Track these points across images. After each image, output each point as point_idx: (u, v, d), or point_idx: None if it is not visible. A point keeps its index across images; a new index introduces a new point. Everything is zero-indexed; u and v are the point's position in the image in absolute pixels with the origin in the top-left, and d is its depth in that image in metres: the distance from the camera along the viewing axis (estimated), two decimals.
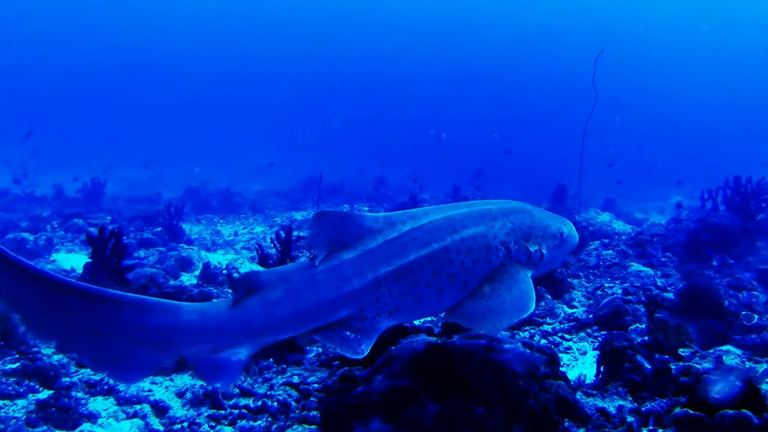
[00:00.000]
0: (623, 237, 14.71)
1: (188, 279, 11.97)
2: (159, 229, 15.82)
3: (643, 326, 8.57)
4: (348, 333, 5.31)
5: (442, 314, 5.75)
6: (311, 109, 76.02)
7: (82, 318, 4.53)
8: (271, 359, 7.44)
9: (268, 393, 6.56)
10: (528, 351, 6.20)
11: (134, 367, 4.80)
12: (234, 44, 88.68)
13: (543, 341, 8.63)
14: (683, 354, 7.35)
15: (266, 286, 5.20)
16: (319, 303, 5.26)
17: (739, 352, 8.37)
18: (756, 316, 9.44)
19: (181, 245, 14.50)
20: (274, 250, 11.27)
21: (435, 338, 6.52)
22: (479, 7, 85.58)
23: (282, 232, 10.90)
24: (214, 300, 5.37)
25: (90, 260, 8.97)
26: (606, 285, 11.27)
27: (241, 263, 11.56)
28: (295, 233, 16.42)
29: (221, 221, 21.69)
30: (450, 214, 5.89)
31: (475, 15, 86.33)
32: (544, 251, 6.21)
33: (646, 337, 7.59)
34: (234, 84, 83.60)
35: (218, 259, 13.21)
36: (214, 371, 4.99)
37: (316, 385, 6.71)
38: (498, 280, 5.83)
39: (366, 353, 5.18)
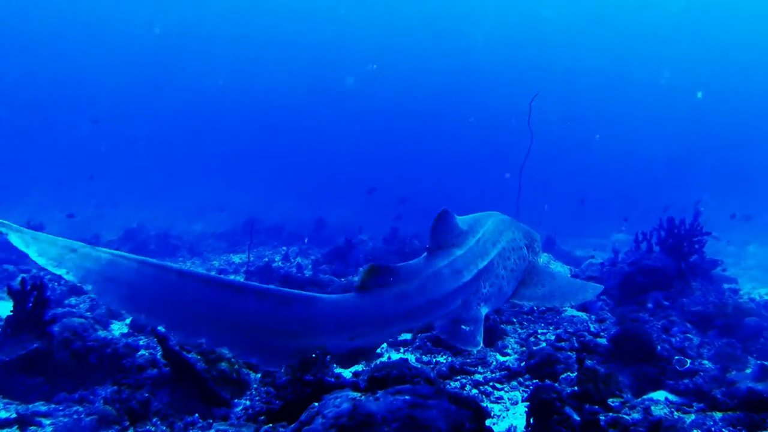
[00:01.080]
0: None
1: (119, 327, 11.76)
2: None
3: (574, 375, 8.52)
4: (464, 327, 6.04)
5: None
6: (253, 149, 75.97)
7: (229, 312, 5.05)
8: (197, 414, 7.28)
9: None
10: (453, 406, 6.10)
11: (279, 354, 5.50)
12: (172, 79, 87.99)
13: (474, 391, 8.55)
14: (613, 404, 7.31)
15: (399, 278, 5.84)
16: (442, 295, 6.00)
17: (672, 398, 8.36)
18: (689, 361, 9.46)
19: None
20: None
21: (359, 393, 6.40)
22: (418, 42, 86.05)
23: None
24: (344, 294, 5.76)
25: (11, 313, 8.73)
26: (539, 331, 11.20)
27: None
28: (231, 276, 16.24)
29: None
30: (490, 223, 7.12)
31: (414, 51, 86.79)
32: (539, 251, 8.00)
33: (575, 387, 7.53)
34: (178, 122, 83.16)
35: None
36: (352, 358, 5.74)
37: None
38: (536, 273, 7.37)
39: (481, 345, 6.08)
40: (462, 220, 6.85)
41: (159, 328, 8.82)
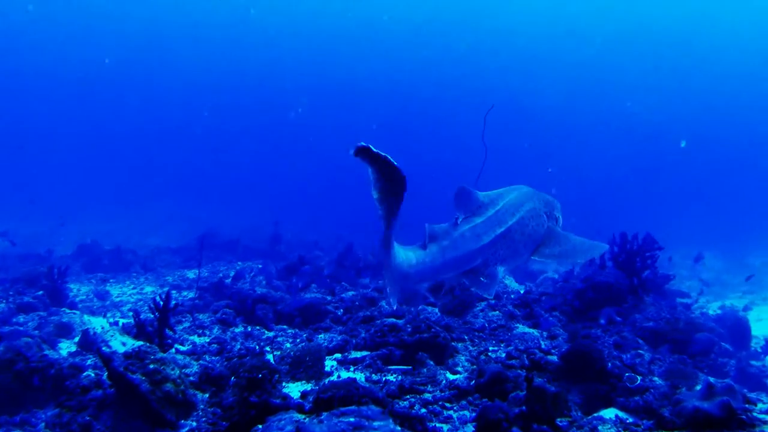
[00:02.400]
0: (512, 296, 14.68)
1: (67, 346, 11.55)
2: (41, 292, 15.25)
3: (523, 394, 8.48)
4: (483, 279, 7.86)
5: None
6: (211, 162, 75.62)
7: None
8: None
9: None
10: (399, 428, 6.05)
11: (410, 295, 7.62)
12: (127, 93, 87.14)
13: (423, 410, 8.48)
14: (560, 424, 7.28)
15: (438, 237, 7.65)
16: (466, 252, 7.76)
17: (622, 415, 8.37)
18: (639, 378, 9.47)
19: (63, 309, 13.96)
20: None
21: (304, 416, 6.34)
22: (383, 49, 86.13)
23: (160, 299, 10.58)
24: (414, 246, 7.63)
25: None
26: (491, 349, 11.15)
27: (112, 335, 11.19)
28: (184, 292, 16.06)
29: (111, 281, 21.03)
30: (512, 196, 8.78)
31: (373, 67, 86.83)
32: (559, 216, 9.57)
33: (523, 407, 7.49)
34: (136, 135, 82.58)
35: (102, 323, 12.80)
36: (414, 299, 8.23)
37: None
38: (554, 236, 9.10)
39: (492, 296, 8.28)
40: (484, 195, 8.51)
41: (104, 348, 8.71)
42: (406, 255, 7.12)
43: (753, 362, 11.79)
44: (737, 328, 13.63)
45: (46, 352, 9.34)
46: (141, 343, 9.58)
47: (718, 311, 17.30)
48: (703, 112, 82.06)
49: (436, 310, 13.23)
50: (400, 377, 9.72)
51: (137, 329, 10.91)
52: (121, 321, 13.17)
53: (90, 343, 11.07)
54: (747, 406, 7.55)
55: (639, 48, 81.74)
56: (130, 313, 14.15)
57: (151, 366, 7.78)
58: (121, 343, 10.80)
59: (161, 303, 10.53)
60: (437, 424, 8.00)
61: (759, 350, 13.04)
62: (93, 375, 8.61)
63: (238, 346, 11.48)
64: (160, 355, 8.21)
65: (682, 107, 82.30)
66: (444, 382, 9.58)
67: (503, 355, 10.65)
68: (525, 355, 10.31)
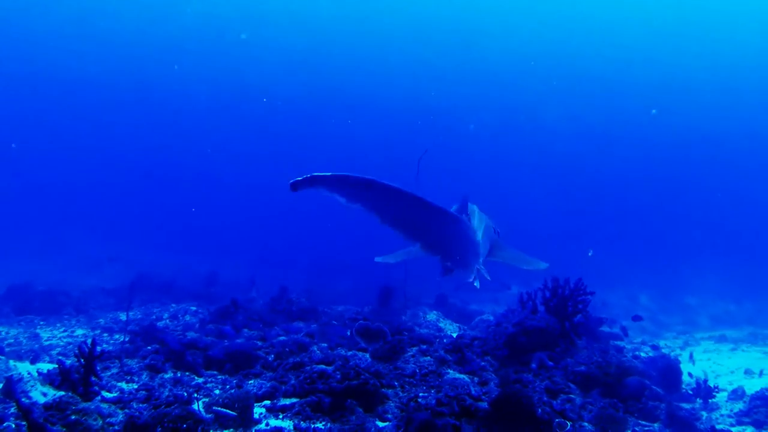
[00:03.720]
0: (445, 341, 14.65)
1: None
2: None
3: None
4: (481, 268, 9.92)
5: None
6: (149, 202, 74.82)
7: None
8: None
9: None
10: None
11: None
12: (62, 124, 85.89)
13: None
14: None
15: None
16: (486, 245, 10.62)
17: None
18: (569, 423, 9.50)
19: None
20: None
21: None
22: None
23: (86, 346, 10.40)
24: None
25: None
26: (421, 395, 11.09)
27: (33, 385, 10.94)
28: (116, 335, 15.80)
29: (42, 323, 20.58)
30: (478, 215, 11.20)
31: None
32: (499, 232, 12.15)
33: None
34: (74, 170, 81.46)
35: (28, 368, 12.53)
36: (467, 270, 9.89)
37: None
38: (500, 245, 11.85)
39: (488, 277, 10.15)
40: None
41: (23, 399, 8.52)
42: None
43: (683, 405, 11.88)
44: (668, 371, 13.69)
45: None
46: (62, 393, 9.40)
47: (652, 353, 17.43)
48: (645, 149, 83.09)
49: (367, 355, 13.19)
50: (329, 425, 9.63)
51: (61, 377, 10.70)
52: (46, 367, 12.91)
53: (13, 390, 10.82)
54: None
55: (572, 90, 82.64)
56: (60, 357, 13.91)
57: (73, 417, 7.65)
58: (41, 393, 10.57)
59: (87, 350, 10.36)
60: None
61: (690, 392, 13.10)
62: (14, 426, 8.41)
63: (167, 393, 11.25)
64: (83, 405, 8.07)
65: (618, 144, 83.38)
66: (373, 429, 9.51)
67: (433, 401, 10.58)
68: (455, 402, 10.25)
